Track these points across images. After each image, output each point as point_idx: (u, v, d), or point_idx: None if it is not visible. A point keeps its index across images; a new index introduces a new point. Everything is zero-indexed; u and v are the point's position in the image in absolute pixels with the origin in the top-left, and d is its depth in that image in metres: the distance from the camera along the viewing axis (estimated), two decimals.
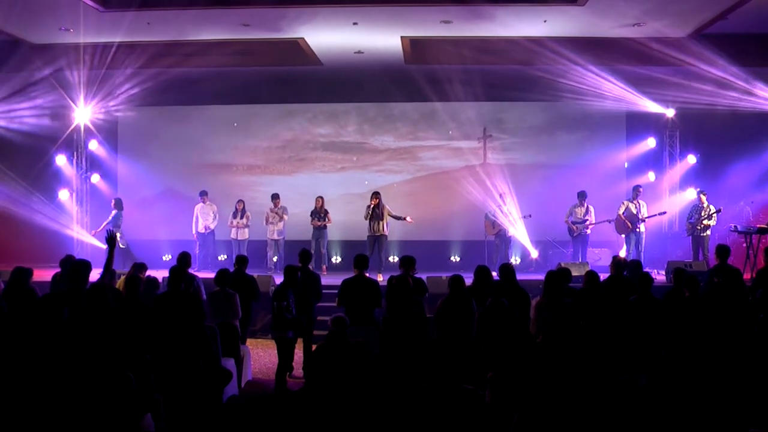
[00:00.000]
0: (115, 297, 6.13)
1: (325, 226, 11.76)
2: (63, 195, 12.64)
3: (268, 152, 13.48)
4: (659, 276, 10.13)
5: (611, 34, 10.23)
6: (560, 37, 10.14)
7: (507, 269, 7.04)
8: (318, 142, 13.41)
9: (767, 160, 11.97)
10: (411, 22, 9.77)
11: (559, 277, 6.59)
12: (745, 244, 10.58)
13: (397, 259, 11.16)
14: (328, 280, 9.03)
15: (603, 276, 7.27)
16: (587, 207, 11.46)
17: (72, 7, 8.98)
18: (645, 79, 11.37)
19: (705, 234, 11.03)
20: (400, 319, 6.24)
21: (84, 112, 12.22)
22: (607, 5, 8.93)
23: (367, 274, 7.30)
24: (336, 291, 7.30)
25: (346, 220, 12.44)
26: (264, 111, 13.52)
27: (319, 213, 11.75)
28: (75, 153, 12.69)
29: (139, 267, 7.62)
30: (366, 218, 10.78)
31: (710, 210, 10.99)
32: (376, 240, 10.74)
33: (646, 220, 11.20)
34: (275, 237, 11.91)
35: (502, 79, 11.79)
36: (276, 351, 6.90)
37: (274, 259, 11.93)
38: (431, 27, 9.94)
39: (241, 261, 7.94)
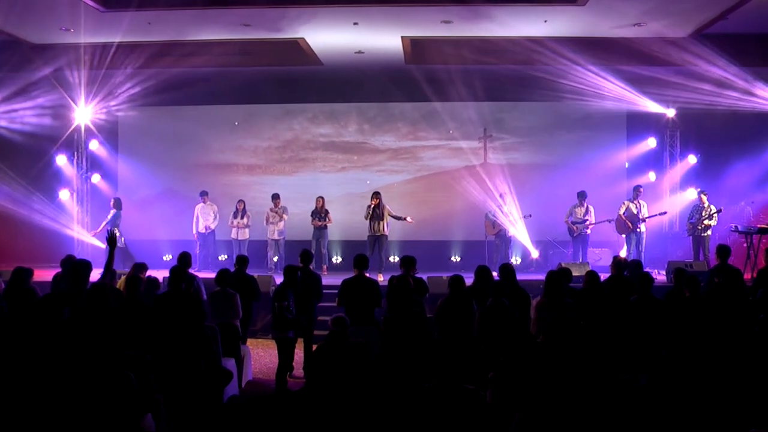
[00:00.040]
0: (116, 297, 6.13)
1: (325, 226, 11.76)
2: (63, 195, 12.64)
3: (269, 152, 13.48)
4: (660, 276, 10.14)
5: (612, 34, 10.23)
6: (561, 37, 10.14)
7: (507, 269, 7.05)
8: (318, 142, 13.40)
9: None
10: (411, 22, 9.77)
11: (559, 277, 6.59)
12: (745, 244, 10.58)
13: (397, 259, 11.17)
14: (328, 280, 9.02)
15: (603, 276, 7.29)
16: (587, 207, 11.45)
17: (72, 7, 8.98)
18: (645, 79, 11.37)
19: (705, 234, 11.02)
20: (400, 319, 6.23)
21: (84, 112, 12.22)
22: (608, 5, 8.93)
23: (368, 274, 7.31)
24: (336, 291, 7.30)
25: (347, 220, 12.44)
26: (264, 111, 13.51)
27: (320, 213, 11.75)
28: (75, 153, 12.69)
29: (140, 267, 7.63)
30: (366, 218, 10.78)
31: (711, 210, 10.99)
32: (377, 240, 10.74)
33: (647, 220, 11.20)
34: (276, 237, 11.90)
35: (502, 79, 11.78)
36: (276, 351, 6.91)
37: (275, 259, 11.93)
38: (431, 27, 9.94)
39: (242, 261, 7.95)
